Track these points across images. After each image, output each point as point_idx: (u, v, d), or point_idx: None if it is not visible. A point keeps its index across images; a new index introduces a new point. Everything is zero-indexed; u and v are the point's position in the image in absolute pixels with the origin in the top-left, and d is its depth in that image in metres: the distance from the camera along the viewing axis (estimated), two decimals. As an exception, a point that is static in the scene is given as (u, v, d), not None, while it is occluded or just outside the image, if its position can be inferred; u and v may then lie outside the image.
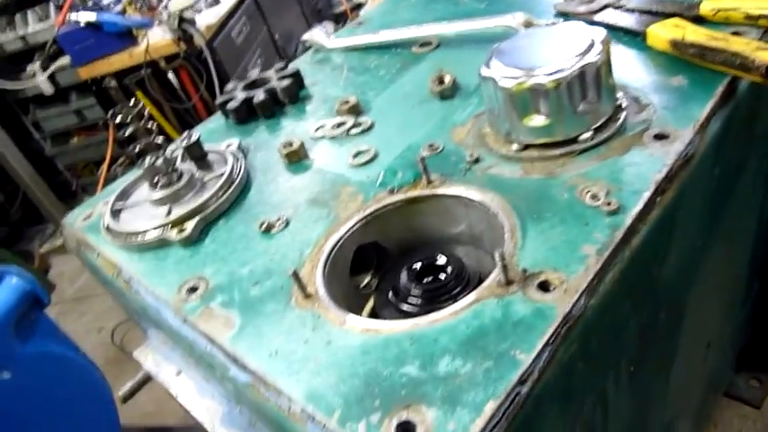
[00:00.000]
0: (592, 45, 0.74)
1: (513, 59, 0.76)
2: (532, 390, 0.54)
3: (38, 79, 3.37)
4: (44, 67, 3.36)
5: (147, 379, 1.00)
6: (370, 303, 0.79)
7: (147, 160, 0.91)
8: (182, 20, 2.89)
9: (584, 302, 0.59)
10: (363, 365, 0.60)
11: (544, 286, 0.61)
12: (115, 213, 0.95)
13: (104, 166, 3.55)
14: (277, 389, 0.61)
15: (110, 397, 1.98)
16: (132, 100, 0.95)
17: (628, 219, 0.65)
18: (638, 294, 0.70)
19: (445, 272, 0.74)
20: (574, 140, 0.76)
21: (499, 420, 0.52)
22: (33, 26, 3.33)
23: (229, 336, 0.69)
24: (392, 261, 0.83)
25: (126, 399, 1.00)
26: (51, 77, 3.38)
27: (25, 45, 3.40)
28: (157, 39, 2.88)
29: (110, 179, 3.66)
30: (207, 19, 2.96)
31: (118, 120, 0.90)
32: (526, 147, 0.79)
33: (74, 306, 3.49)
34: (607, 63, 0.75)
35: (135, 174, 1.04)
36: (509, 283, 0.62)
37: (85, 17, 2.80)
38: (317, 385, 0.60)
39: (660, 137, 0.74)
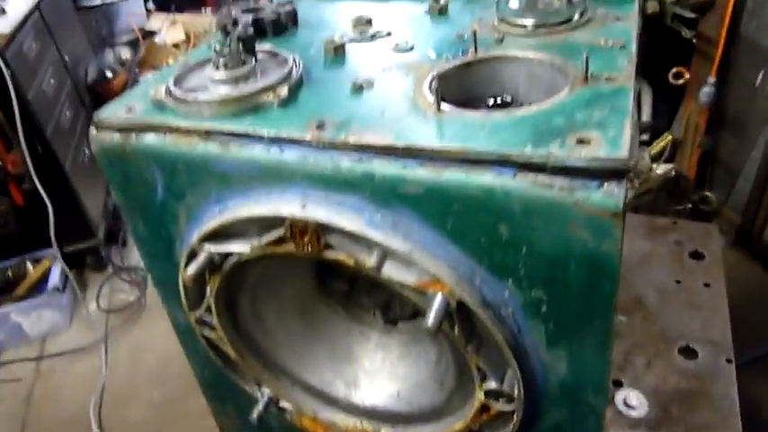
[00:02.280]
0: (574, -43, 1.11)
1: (524, -35, 1.09)
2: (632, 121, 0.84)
3: None
4: None
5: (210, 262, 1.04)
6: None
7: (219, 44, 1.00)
8: None
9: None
10: (523, 128, 0.83)
11: (609, 80, 0.92)
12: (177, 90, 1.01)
13: None
14: (463, 151, 0.81)
15: None
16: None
17: (633, 48, 1.01)
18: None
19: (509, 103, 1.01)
20: (569, 21, 1.12)
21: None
22: None
23: (391, 139, 0.85)
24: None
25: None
26: None
27: None
28: None
29: None
30: None
31: None
32: (536, 26, 1.11)
33: None
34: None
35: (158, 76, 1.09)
36: (586, 79, 0.92)
37: None
38: (497, 142, 0.81)
39: (617, 18, 1.13)
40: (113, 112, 1.04)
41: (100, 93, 3.71)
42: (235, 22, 1.14)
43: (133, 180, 1.07)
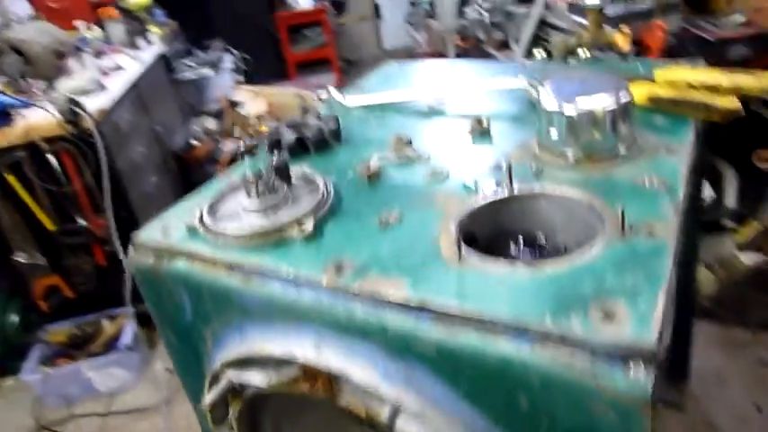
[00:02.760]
0: (620, 86, 1.06)
1: (563, 95, 1.06)
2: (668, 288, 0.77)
3: None
4: None
5: (231, 389, 1.03)
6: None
7: (249, 173, 1.02)
8: (72, 102, 2.85)
9: (677, 242, 0.85)
10: (545, 290, 0.78)
11: (650, 233, 0.85)
12: (210, 220, 1.03)
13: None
14: (479, 314, 0.76)
15: None
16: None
17: (680, 192, 0.94)
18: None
19: (543, 248, 0.96)
20: (614, 156, 1.06)
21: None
22: None
23: (404, 291, 0.82)
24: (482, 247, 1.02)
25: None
26: None
27: None
28: (38, 119, 2.74)
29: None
30: (98, 103, 2.92)
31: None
32: (578, 160, 1.06)
33: None
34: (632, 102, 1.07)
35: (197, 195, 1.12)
36: (623, 231, 0.86)
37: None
38: (516, 306, 0.76)
39: (669, 150, 1.07)
40: (150, 234, 1.08)
41: (185, 159, 3.95)
42: (277, 144, 1.17)
43: (165, 299, 1.09)
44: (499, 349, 0.75)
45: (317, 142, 1.27)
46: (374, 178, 1.13)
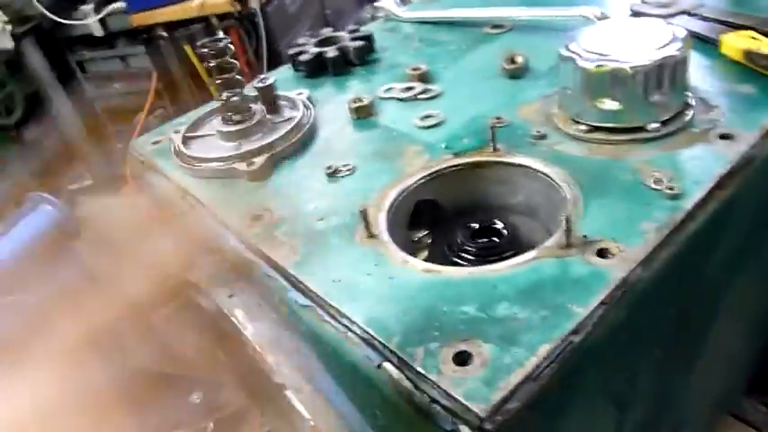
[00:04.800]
0: (673, 40, 0.77)
1: (594, 44, 0.80)
2: (583, 342, 0.58)
3: (89, 20, 3.44)
4: (97, 9, 3.43)
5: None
6: (422, 256, 0.83)
7: (226, 95, 0.96)
8: None
9: (639, 274, 0.62)
10: (424, 300, 0.64)
11: (602, 253, 0.64)
12: (186, 141, 1.00)
13: (142, 115, 3.62)
14: (339, 311, 0.65)
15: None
16: (220, 34, 0.99)
17: (688, 204, 0.68)
18: (683, 281, 0.73)
19: (501, 236, 0.78)
20: (641, 128, 0.79)
21: (550, 363, 0.55)
22: (93, -32, 3.38)
23: (293, 261, 0.74)
24: (447, 220, 0.86)
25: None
26: (102, 20, 3.45)
27: (83, -16, 3.46)
28: None
29: (145, 129, 3.73)
30: None
31: (205, 50, 0.94)
32: (593, 129, 0.82)
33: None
34: (684, 60, 0.78)
35: (206, 107, 1.08)
36: (569, 245, 0.65)
37: (148, -35, 2.85)
38: (378, 313, 0.64)
39: (725, 137, 0.77)
40: (145, 141, 1.09)
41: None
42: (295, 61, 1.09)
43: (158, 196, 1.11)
44: (350, 353, 0.64)
45: (337, 62, 1.15)
46: (362, 114, 0.99)
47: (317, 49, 1.17)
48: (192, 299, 0.97)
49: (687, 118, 0.80)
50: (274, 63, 2.98)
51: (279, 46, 3.10)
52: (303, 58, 1.16)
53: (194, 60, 3.10)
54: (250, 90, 1.04)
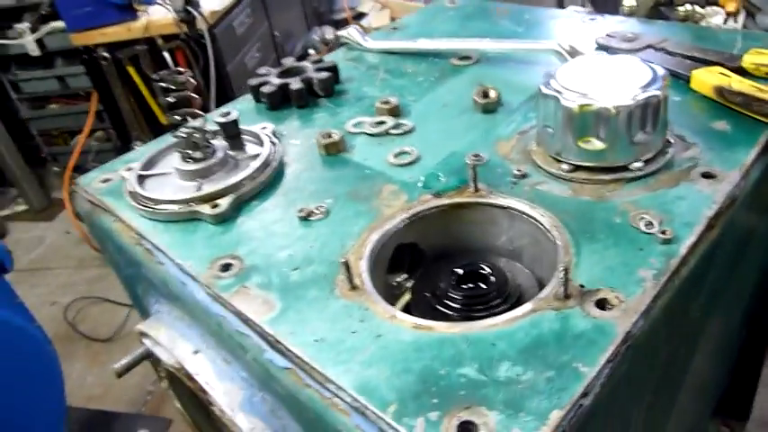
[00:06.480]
0: (654, 79, 0.76)
1: (574, 81, 0.78)
2: (592, 404, 0.54)
3: (25, 39, 3.27)
4: (33, 29, 3.27)
5: (147, 356, 0.96)
6: (403, 301, 0.79)
7: (186, 131, 0.89)
8: (187, 1, 2.85)
9: (641, 324, 0.60)
10: (417, 362, 0.59)
11: (602, 304, 0.61)
12: (141, 179, 0.92)
13: (81, 137, 3.45)
14: (324, 376, 0.60)
15: (59, 374, 1.90)
16: (166, 55, 0.92)
17: (682, 249, 0.66)
18: (674, 325, 0.72)
19: (487, 282, 0.74)
20: (624, 168, 0.78)
21: (563, 431, 0.52)
22: (31, -16, 3.22)
23: (269, 317, 0.68)
24: (427, 263, 0.82)
25: (120, 374, 0.96)
26: (39, 39, 3.29)
27: (17, 2, 3.29)
28: (159, 16, 2.83)
29: (84, 151, 3.56)
30: (212, 4, 2.93)
31: (163, 84, 0.87)
32: (576, 168, 0.80)
33: (26, 277, 3.34)
34: (666, 99, 0.77)
35: (161, 142, 1.01)
36: (567, 297, 0.62)
37: (90, -17, 2.73)
38: (367, 377, 0.59)
39: (708, 176, 0.76)
40: (93, 178, 1.00)
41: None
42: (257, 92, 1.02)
43: (105, 244, 1.03)
44: (337, 422, 0.58)
45: (301, 94, 1.10)
46: (332, 150, 0.95)
47: (279, 80, 1.12)
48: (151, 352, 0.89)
49: (668, 156, 0.79)
50: (222, 86, 2.91)
51: (227, 68, 3.03)
52: (266, 89, 1.10)
53: (138, 82, 2.99)
54: (210, 124, 0.98)
